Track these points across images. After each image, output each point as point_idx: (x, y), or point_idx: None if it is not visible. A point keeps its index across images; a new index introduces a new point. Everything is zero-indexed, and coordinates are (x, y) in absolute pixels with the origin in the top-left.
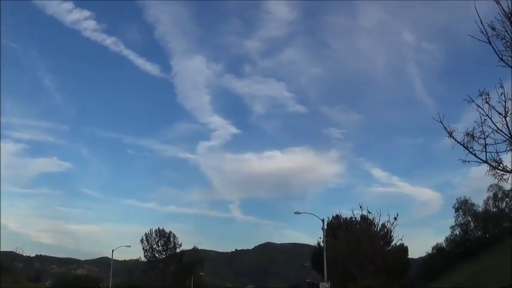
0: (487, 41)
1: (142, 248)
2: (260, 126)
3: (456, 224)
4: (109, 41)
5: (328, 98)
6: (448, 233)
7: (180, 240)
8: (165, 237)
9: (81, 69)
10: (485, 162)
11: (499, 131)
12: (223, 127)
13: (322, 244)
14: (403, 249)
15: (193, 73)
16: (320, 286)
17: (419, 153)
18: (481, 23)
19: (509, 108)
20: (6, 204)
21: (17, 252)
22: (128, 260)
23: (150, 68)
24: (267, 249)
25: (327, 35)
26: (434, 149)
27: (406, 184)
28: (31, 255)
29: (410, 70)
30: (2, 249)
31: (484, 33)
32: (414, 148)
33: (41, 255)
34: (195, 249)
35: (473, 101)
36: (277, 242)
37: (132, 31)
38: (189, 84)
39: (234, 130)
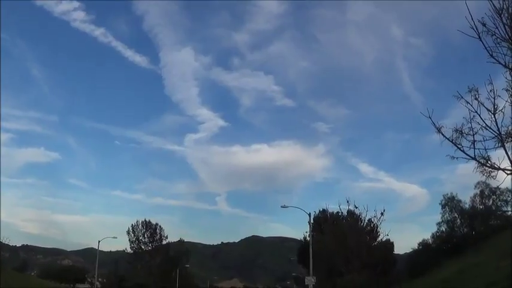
0: (477, 37)
1: (129, 240)
2: (248, 119)
3: (442, 221)
4: (98, 32)
5: (316, 92)
6: (434, 229)
7: (166, 232)
8: (151, 229)
9: (69, 60)
10: (474, 159)
11: (488, 128)
12: (211, 119)
13: (308, 238)
14: (389, 245)
15: (182, 65)
16: (305, 280)
17: (407, 148)
18: (472, 19)
19: (498, 105)
20: None
21: (3, 241)
22: (114, 251)
23: (138, 59)
24: (253, 242)
25: (315, 29)
26: (422, 144)
27: (393, 180)
28: (17, 245)
29: (399, 65)
30: None
31: (475, 29)
32: (401, 143)
33: (27, 245)
34: (181, 242)
35: (462, 98)
36: (264, 236)
37: (121, 23)
38: (177, 76)
39: (221, 123)
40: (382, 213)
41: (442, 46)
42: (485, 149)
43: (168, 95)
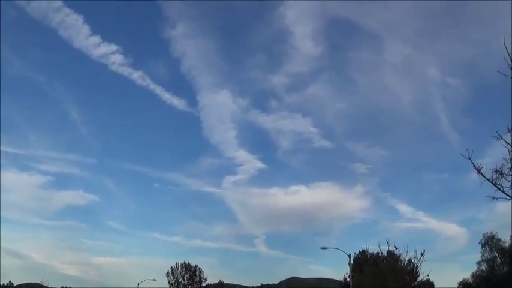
0: None
1: (168, 282)
2: (286, 161)
3: (482, 260)
4: (136, 75)
5: (353, 133)
6: (474, 268)
7: (205, 274)
8: (191, 271)
9: (107, 103)
10: None
11: None
12: (249, 161)
13: (348, 279)
14: (429, 285)
15: (220, 108)
16: None
17: (445, 188)
18: (510, 59)
19: None
20: (31, 236)
21: (43, 283)
22: None
23: (176, 102)
24: (292, 284)
25: (352, 70)
26: (460, 184)
27: (432, 219)
28: (56, 287)
29: (436, 105)
30: (28, 281)
31: None
32: (439, 183)
33: (66, 287)
34: (221, 283)
35: (501, 138)
36: (303, 277)
37: (159, 66)
38: (215, 118)
39: (259, 165)
40: (422, 254)
41: (479, 86)
42: None
43: (206, 137)
